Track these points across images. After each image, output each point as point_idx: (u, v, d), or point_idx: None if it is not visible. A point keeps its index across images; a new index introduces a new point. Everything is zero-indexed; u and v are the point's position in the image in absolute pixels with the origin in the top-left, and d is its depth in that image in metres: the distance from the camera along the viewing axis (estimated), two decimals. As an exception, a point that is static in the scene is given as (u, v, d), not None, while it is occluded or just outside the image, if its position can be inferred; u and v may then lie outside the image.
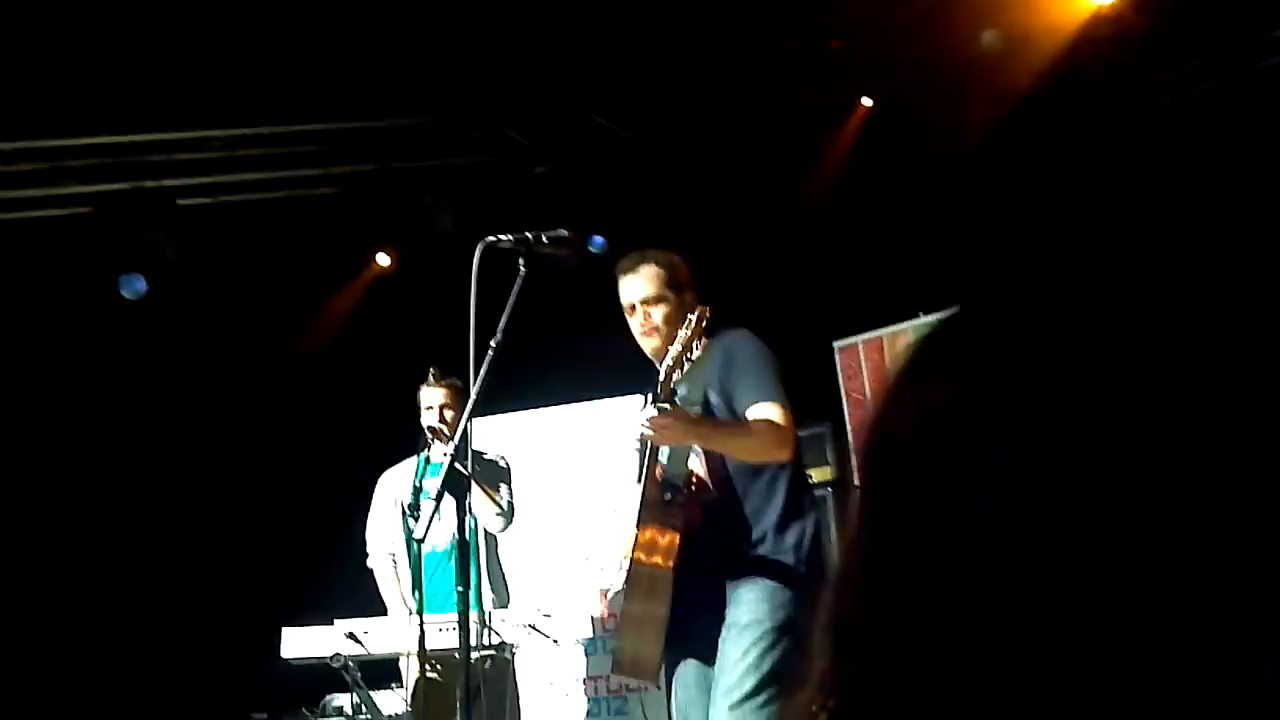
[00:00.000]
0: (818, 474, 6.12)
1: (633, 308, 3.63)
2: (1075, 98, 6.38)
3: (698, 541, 3.27)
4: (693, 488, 3.30)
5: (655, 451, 3.28)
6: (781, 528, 3.33)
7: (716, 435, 3.32)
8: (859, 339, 6.92)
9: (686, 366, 3.21)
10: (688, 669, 3.37)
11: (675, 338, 3.48)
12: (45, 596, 6.76)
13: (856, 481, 0.71)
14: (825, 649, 0.69)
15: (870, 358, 6.90)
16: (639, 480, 3.34)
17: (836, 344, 6.97)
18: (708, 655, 3.27)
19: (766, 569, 3.27)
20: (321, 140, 6.86)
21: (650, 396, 3.22)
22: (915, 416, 0.66)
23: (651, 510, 3.26)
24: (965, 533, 0.62)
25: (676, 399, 3.18)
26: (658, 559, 3.21)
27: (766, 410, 3.32)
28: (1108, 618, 0.58)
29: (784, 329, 3.48)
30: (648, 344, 3.61)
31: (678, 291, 3.62)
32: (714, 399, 3.37)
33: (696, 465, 3.36)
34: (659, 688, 3.61)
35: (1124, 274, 0.66)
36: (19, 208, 6.80)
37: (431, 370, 4.97)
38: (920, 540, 0.64)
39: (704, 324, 3.20)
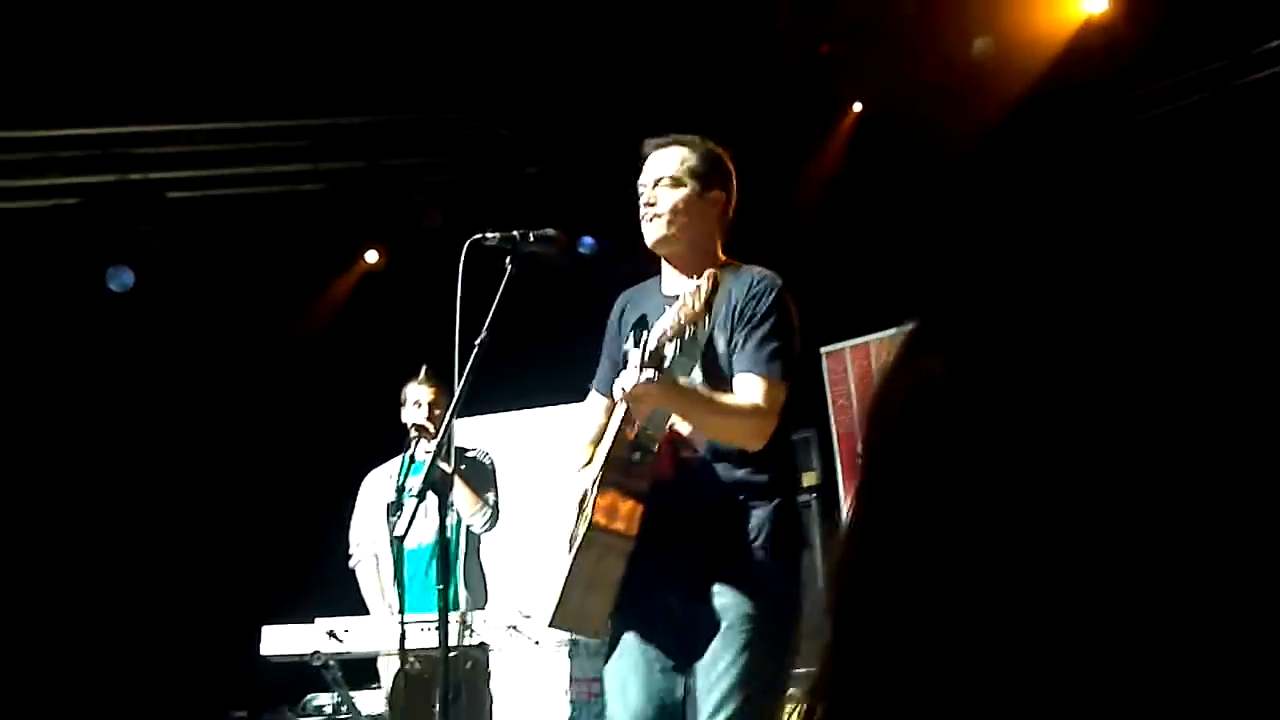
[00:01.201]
0: (803, 479, 6.12)
1: (643, 188, 3.14)
2: (1065, 107, 6.40)
3: (667, 496, 2.95)
4: (657, 448, 2.96)
5: (630, 411, 2.94)
6: (762, 495, 2.97)
7: (695, 411, 2.95)
8: (846, 345, 6.92)
9: (686, 339, 2.84)
10: (632, 639, 3.01)
11: (682, 236, 3.09)
12: (27, 592, 6.72)
13: (860, 460, 0.73)
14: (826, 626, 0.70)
15: (857, 364, 6.90)
16: (610, 438, 2.99)
17: (823, 350, 6.98)
18: (657, 630, 2.97)
19: (743, 546, 2.93)
20: (311, 136, 6.85)
21: (638, 357, 2.87)
22: (913, 385, 0.69)
23: (615, 470, 2.94)
24: (961, 494, 0.63)
25: (666, 365, 2.84)
26: (619, 525, 2.91)
27: (755, 386, 2.94)
28: (1101, 580, 0.59)
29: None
30: (648, 233, 3.12)
31: (702, 183, 3.10)
32: (720, 338, 2.99)
33: (679, 422, 3.02)
34: (601, 639, 3.25)
35: (1114, 263, 0.69)
36: (6, 198, 6.77)
37: (424, 367, 4.92)
38: (917, 504, 0.65)
39: (714, 295, 2.73)
